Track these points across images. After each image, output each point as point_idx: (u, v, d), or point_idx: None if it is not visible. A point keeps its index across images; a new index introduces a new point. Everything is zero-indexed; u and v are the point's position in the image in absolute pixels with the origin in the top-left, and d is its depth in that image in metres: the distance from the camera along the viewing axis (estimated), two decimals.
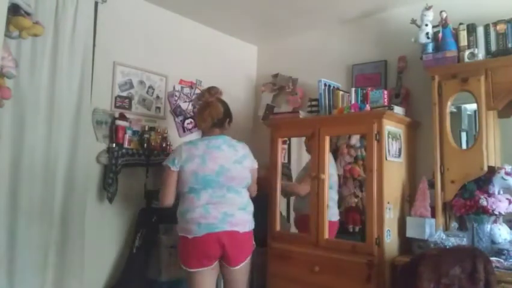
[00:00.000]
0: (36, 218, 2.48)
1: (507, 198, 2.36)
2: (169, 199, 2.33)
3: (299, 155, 3.47)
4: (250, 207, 2.41)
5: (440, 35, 2.59)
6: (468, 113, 2.68)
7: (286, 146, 3.45)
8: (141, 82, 3.15)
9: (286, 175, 3.28)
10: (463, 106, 2.67)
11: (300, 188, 2.92)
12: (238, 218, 2.30)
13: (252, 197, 2.51)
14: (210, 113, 2.41)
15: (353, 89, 2.85)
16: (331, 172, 2.81)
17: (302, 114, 3.02)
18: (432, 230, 2.45)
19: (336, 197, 2.89)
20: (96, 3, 2.82)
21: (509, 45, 2.41)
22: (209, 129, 2.43)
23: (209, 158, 2.30)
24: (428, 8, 2.62)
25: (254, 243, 2.42)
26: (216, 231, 2.22)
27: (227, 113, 2.48)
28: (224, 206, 2.27)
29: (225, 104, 2.49)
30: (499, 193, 2.39)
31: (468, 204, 2.37)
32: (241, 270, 2.33)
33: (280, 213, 3.05)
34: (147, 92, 3.19)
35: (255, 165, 2.49)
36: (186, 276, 2.31)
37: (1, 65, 1.98)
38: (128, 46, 3.07)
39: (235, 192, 2.33)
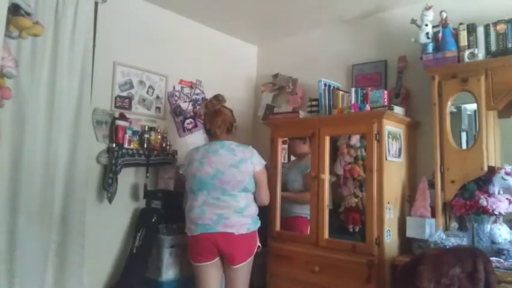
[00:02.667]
0: (36, 218, 2.48)
1: (507, 198, 2.36)
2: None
3: None
4: (249, 211, 2.43)
5: (440, 35, 2.59)
6: (468, 113, 2.68)
7: (286, 146, 3.44)
8: (141, 82, 3.15)
9: None
10: (463, 106, 2.67)
11: (307, 196, 2.83)
12: (234, 221, 2.36)
13: (264, 204, 2.57)
14: (224, 120, 2.53)
15: (353, 89, 2.85)
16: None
17: (302, 114, 3.02)
18: (432, 230, 2.45)
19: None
20: (96, 3, 2.82)
21: (509, 45, 2.41)
22: (220, 134, 2.51)
23: (206, 162, 2.43)
24: (428, 8, 2.62)
25: (260, 244, 2.47)
26: (210, 231, 2.36)
27: (234, 119, 2.62)
28: (219, 208, 2.38)
29: (231, 110, 2.63)
30: (499, 193, 2.39)
31: (468, 204, 2.36)
32: (241, 269, 2.40)
33: None
34: (147, 92, 3.19)
35: (258, 167, 2.46)
36: (193, 267, 2.50)
37: (1, 65, 1.97)
38: (128, 46, 3.07)
39: (229, 196, 2.39)
